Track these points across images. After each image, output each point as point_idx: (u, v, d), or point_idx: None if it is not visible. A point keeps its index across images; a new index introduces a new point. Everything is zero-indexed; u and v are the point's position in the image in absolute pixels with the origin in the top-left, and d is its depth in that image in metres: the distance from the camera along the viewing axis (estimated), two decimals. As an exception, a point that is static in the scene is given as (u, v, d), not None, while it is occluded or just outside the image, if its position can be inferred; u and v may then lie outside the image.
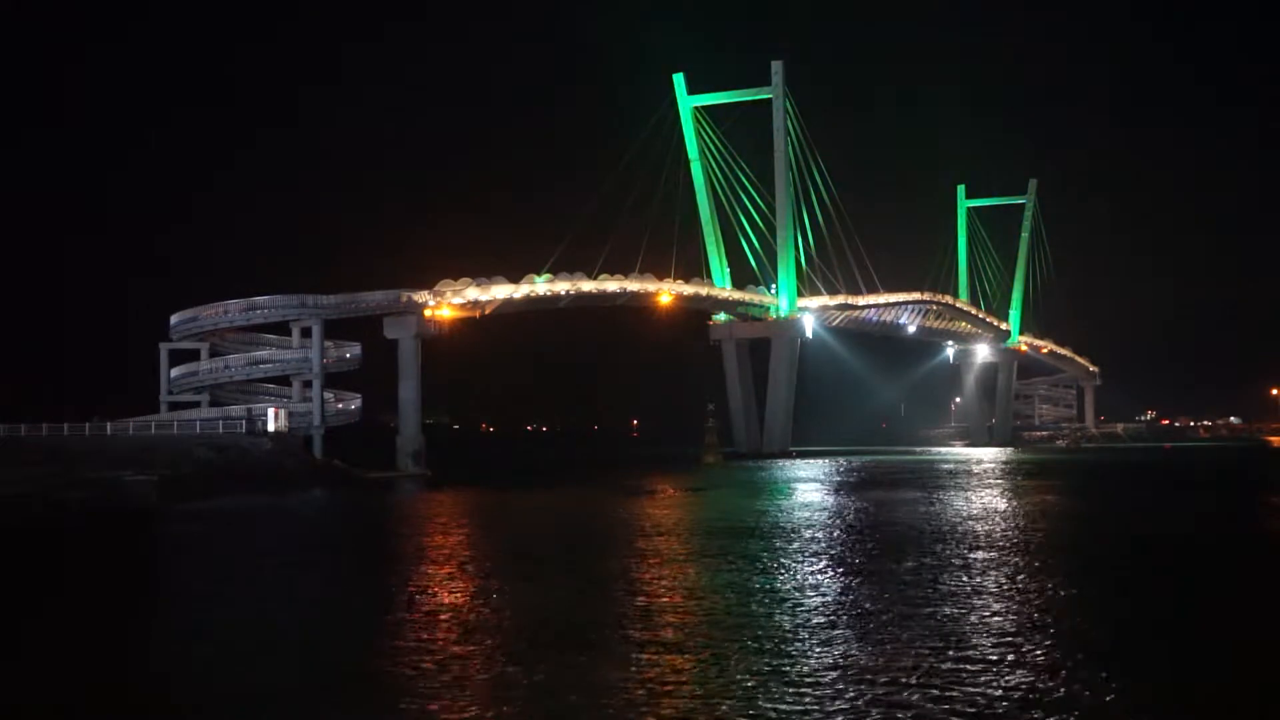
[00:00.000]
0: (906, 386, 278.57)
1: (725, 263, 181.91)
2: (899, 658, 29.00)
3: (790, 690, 26.10)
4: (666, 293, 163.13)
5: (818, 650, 30.07)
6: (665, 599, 38.14)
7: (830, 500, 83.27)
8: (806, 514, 70.33)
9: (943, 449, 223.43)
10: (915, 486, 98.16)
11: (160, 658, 31.56)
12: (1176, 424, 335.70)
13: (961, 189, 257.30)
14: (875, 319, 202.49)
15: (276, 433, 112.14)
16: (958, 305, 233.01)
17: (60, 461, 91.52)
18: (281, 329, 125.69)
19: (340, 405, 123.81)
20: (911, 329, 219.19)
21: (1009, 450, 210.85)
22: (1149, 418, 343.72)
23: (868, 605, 36.65)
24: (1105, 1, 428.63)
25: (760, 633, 32.35)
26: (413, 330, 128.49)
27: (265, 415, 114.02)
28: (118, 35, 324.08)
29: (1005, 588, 40.21)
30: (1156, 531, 62.47)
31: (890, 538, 56.19)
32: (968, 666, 28.14)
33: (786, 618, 34.63)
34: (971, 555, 48.97)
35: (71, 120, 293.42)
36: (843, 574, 43.74)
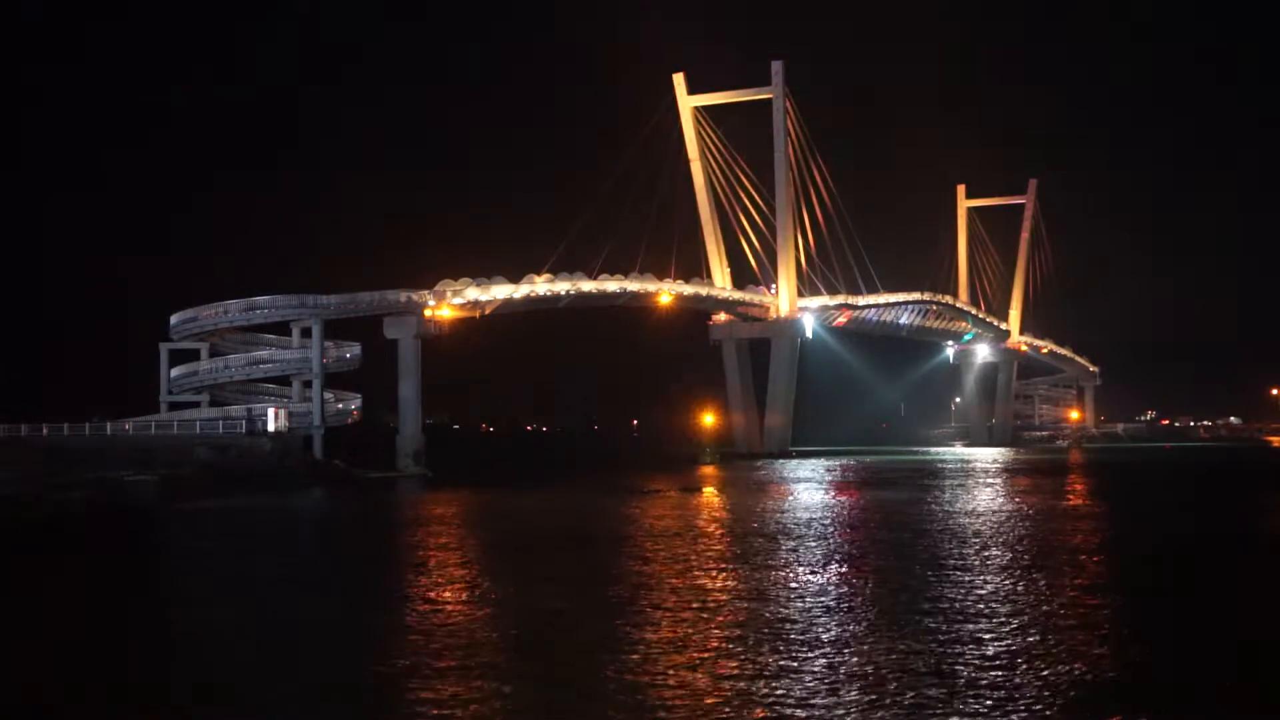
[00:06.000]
0: (906, 386, 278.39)
1: (725, 263, 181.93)
2: (900, 658, 29.00)
3: (791, 691, 26.10)
4: (666, 293, 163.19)
5: (818, 650, 30.06)
6: (664, 599, 38.12)
7: (829, 500, 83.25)
8: (805, 514, 70.30)
9: (943, 449, 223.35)
10: (915, 487, 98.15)
11: (159, 658, 31.55)
12: (1176, 424, 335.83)
13: (961, 189, 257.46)
14: (875, 319, 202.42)
15: (276, 433, 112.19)
16: (958, 305, 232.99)
17: (60, 461, 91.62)
18: (281, 329, 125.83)
19: (340, 405, 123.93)
20: (912, 329, 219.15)
21: (1009, 450, 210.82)
22: (1149, 418, 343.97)
23: (868, 605, 36.66)
24: (1105, 1, 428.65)
25: (760, 632, 32.34)
26: (413, 330, 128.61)
27: (265, 415, 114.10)
28: (116, 31, 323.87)
29: (1007, 588, 40.22)
30: (1158, 532, 62.49)
31: (889, 538, 56.17)
32: (970, 666, 28.14)
33: (787, 617, 34.62)
34: (971, 555, 48.97)
35: (72, 118, 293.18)
36: (842, 574, 43.74)
